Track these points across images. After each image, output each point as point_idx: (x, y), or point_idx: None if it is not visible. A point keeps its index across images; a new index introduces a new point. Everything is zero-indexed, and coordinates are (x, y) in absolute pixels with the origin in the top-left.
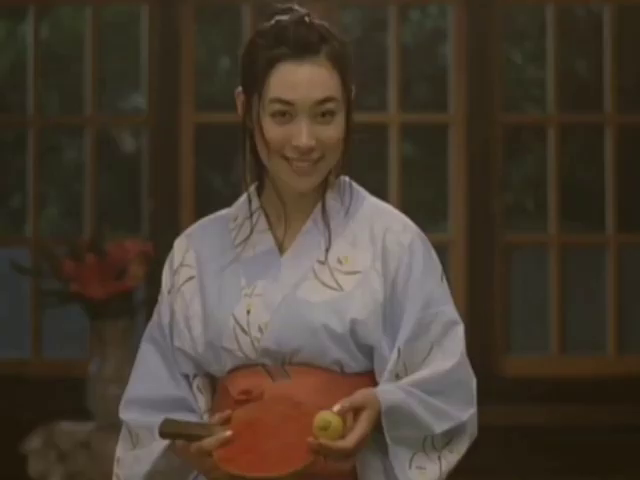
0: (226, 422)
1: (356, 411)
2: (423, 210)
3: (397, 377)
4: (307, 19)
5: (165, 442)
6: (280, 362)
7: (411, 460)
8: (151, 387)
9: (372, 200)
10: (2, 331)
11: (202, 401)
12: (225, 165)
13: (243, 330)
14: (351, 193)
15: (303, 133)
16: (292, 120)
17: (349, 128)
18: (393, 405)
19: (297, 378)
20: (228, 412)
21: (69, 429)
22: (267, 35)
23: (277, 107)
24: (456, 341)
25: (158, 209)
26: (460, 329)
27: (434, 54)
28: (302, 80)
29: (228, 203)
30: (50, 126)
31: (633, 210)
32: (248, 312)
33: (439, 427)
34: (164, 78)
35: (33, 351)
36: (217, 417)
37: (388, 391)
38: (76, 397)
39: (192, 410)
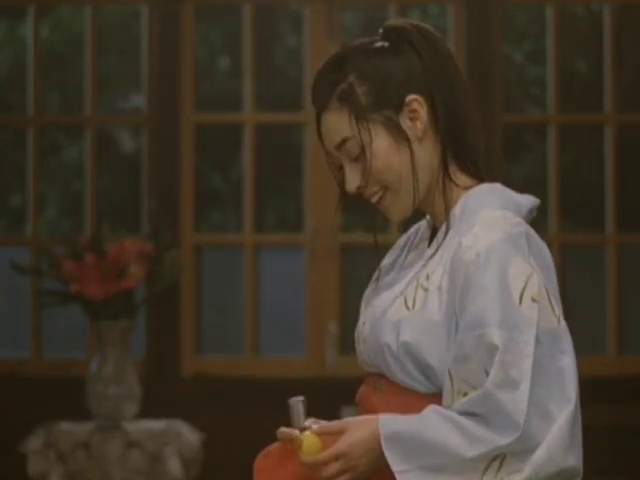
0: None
1: (337, 434)
2: None
3: (465, 396)
4: (326, 65)
5: None
6: (380, 375)
7: None
8: None
9: (482, 213)
10: (2, 331)
11: None
12: (225, 165)
13: (358, 341)
14: (474, 204)
15: (346, 180)
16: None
17: (390, 147)
18: (395, 433)
19: (386, 392)
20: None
21: (69, 429)
22: None
23: (329, 159)
24: (494, 365)
25: (158, 209)
26: (497, 355)
27: None
28: (323, 131)
29: (228, 203)
30: (50, 126)
31: (633, 210)
32: (363, 324)
33: (471, 451)
34: (164, 78)
35: (33, 351)
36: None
37: (391, 419)
38: (76, 397)
39: None
